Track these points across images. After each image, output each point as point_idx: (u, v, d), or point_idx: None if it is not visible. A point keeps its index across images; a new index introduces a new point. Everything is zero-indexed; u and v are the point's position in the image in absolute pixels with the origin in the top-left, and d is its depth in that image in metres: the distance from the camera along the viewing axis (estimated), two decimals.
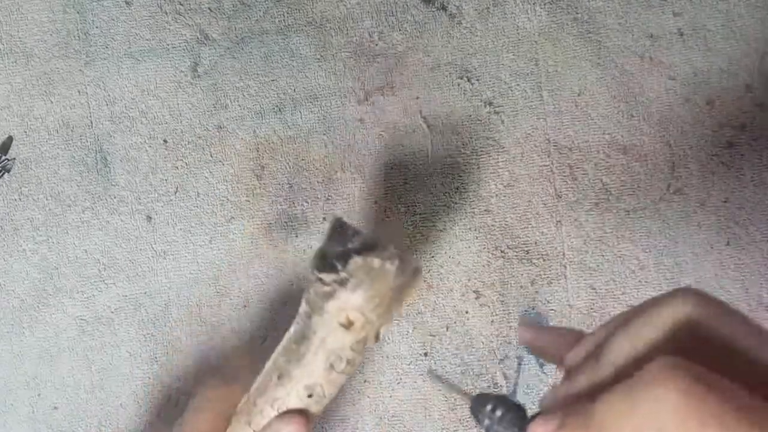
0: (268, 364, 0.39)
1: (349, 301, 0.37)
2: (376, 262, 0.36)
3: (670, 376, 0.22)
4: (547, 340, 0.33)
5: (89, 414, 0.49)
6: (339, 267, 0.36)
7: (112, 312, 0.49)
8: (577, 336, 0.31)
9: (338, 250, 0.37)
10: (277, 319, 0.50)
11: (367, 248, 0.36)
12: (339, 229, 0.38)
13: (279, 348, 0.39)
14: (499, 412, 0.29)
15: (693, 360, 0.23)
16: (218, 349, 0.49)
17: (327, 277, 0.37)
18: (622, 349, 0.26)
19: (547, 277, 0.49)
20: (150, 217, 0.50)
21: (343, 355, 0.38)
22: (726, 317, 0.24)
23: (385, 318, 0.38)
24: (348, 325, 0.37)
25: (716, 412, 0.21)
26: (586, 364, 0.27)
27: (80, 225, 0.50)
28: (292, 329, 0.39)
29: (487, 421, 0.29)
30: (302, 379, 0.38)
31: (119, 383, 0.49)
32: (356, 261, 0.36)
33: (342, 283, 0.36)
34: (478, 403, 0.30)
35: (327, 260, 0.37)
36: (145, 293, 0.50)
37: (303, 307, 0.38)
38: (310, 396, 0.38)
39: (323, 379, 0.38)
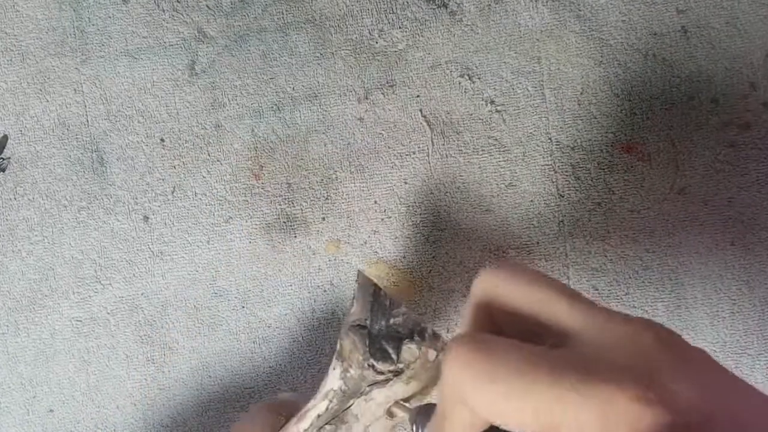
0: None
1: (400, 392, 0.36)
2: (431, 353, 0.35)
3: (452, 351, 0.23)
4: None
5: (85, 416, 0.48)
6: (393, 356, 0.35)
7: (109, 313, 0.49)
8: None
9: (383, 330, 0.36)
10: (276, 321, 0.49)
11: (416, 332, 0.35)
12: (377, 298, 0.37)
13: (305, 422, 0.37)
14: (422, 416, 0.30)
15: (507, 332, 0.26)
16: (215, 353, 0.49)
17: (382, 366, 0.35)
18: (462, 326, 0.28)
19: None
20: (147, 217, 0.49)
21: None
22: (511, 286, 0.26)
23: (425, 397, 0.37)
24: (393, 415, 0.37)
25: (494, 370, 0.22)
26: None
27: (76, 225, 0.49)
28: (322, 405, 0.37)
29: (414, 426, 0.31)
30: None
31: (116, 385, 0.48)
32: (412, 351, 0.35)
33: (397, 373, 0.35)
34: (415, 413, 0.31)
35: (375, 343, 0.36)
36: (142, 294, 0.49)
37: (337, 384, 0.37)
38: None
39: None
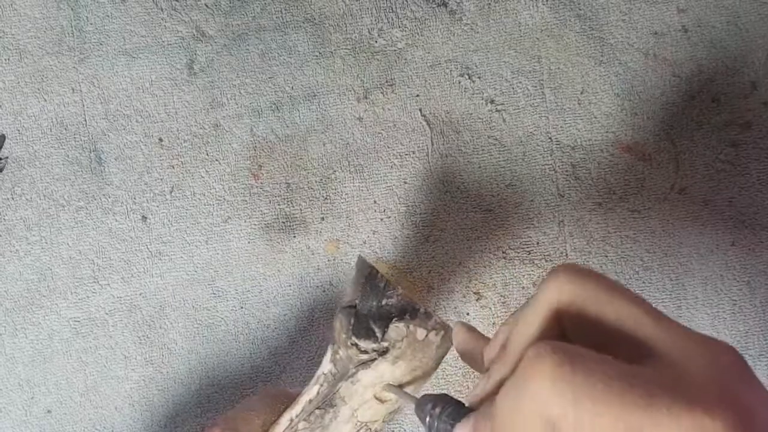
0: (281, 425, 0.36)
1: (387, 374, 0.34)
2: (420, 332, 0.33)
3: (537, 364, 0.22)
4: (476, 344, 0.32)
5: (83, 417, 0.48)
6: (378, 334, 0.34)
7: (107, 314, 0.49)
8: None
9: (373, 310, 0.34)
10: (275, 321, 0.49)
11: (407, 312, 0.33)
12: (370, 280, 0.35)
13: (297, 407, 0.36)
14: (438, 409, 0.29)
15: (573, 338, 0.25)
16: (213, 353, 0.48)
17: (365, 344, 0.34)
18: (519, 339, 0.26)
19: None
20: (145, 217, 0.49)
21: (373, 427, 0.36)
22: (592, 293, 0.25)
23: (421, 385, 0.35)
24: (382, 399, 0.35)
25: (585, 386, 0.21)
26: (497, 358, 0.28)
27: (74, 225, 0.49)
28: (314, 389, 0.36)
29: (428, 419, 0.29)
30: None
31: (114, 386, 0.48)
32: (398, 329, 0.33)
33: (382, 353, 0.34)
34: (422, 402, 0.30)
35: (362, 321, 0.34)
36: (140, 294, 0.49)
37: (327, 367, 0.35)
38: None
39: None
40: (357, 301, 0.35)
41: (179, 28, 0.50)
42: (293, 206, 0.49)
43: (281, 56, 0.50)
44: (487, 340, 0.32)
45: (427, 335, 0.34)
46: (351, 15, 0.50)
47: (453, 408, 0.28)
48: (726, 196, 0.48)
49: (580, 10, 0.49)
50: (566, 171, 0.49)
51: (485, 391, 0.27)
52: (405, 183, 0.49)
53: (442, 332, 0.34)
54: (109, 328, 0.49)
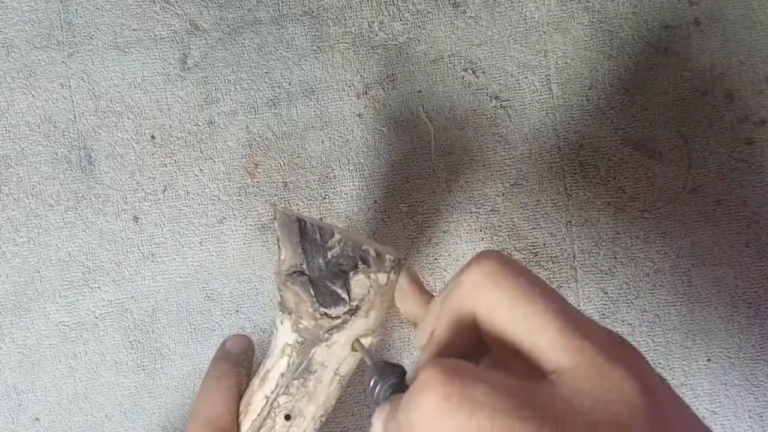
0: (256, 405, 0.35)
1: (362, 327, 0.34)
2: (381, 277, 0.33)
3: (426, 392, 0.22)
4: (414, 302, 0.32)
5: (73, 425, 0.47)
6: (345, 296, 0.33)
7: (97, 317, 0.47)
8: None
9: (324, 270, 0.32)
10: (272, 326, 0.47)
11: (359, 259, 0.33)
12: (304, 235, 0.34)
13: (269, 384, 0.35)
14: (384, 377, 0.29)
15: (487, 339, 0.25)
16: (208, 359, 0.47)
17: (335, 311, 0.33)
18: (436, 336, 0.27)
19: (557, 280, 0.47)
20: (137, 218, 0.48)
21: (352, 370, 0.36)
22: (510, 300, 0.24)
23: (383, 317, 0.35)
24: (359, 348, 0.34)
25: (469, 421, 0.21)
26: (425, 348, 0.28)
27: (63, 226, 0.47)
28: (282, 362, 0.35)
29: (371, 383, 0.29)
30: (318, 411, 0.35)
31: (104, 393, 0.47)
32: (362, 283, 0.32)
33: (353, 312, 0.33)
34: (374, 368, 0.30)
35: (321, 288, 0.33)
36: (132, 298, 0.47)
37: (291, 337, 0.34)
38: (321, 418, 0.35)
39: (335, 399, 0.35)
40: (303, 266, 0.33)
41: (172, 21, 0.48)
42: (291, 206, 0.48)
43: (278, 50, 0.48)
44: (425, 297, 0.32)
45: (388, 278, 0.33)
46: (350, 7, 0.48)
47: (397, 379, 0.28)
48: (740, 195, 0.47)
49: (588, 2, 0.48)
50: (574, 169, 0.47)
51: (412, 378, 0.27)
52: (406, 182, 0.48)
53: (398, 267, 0.34)
54: (99, 332, 0.47)
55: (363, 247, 0.32)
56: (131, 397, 0.47)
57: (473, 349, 0.27)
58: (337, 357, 0.34)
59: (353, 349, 0.34)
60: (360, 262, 0.32)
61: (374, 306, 0.33)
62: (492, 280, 0.25)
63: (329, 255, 0.33)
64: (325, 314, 0.33)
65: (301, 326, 0.34)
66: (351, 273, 0.32)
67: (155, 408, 0.47)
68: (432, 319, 0.28)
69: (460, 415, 0.21)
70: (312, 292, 0.33)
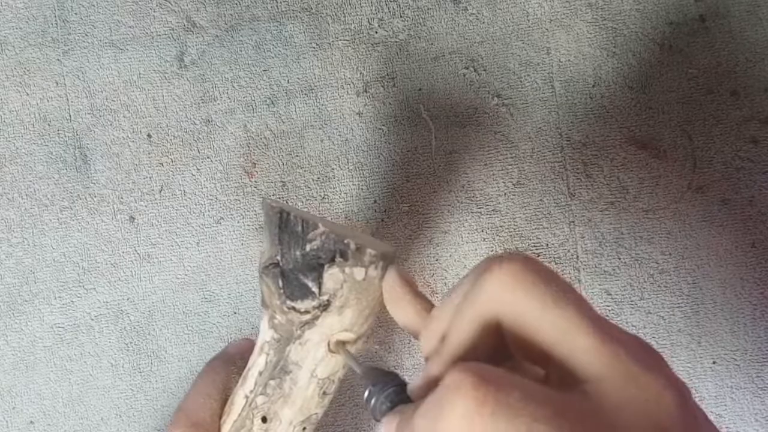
0: (237, 405, 0.35)
1: (336, 325, 0.31)
2: (357, 272, 0.30)
3: (456, 397, 0.21)
4: (409, 315, 0.30)
5: (67, 429, 0.46)
6: (314, 289, 0.32)
7: (93, 319, 0.47)
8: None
9: (299, 262, 0.30)
10: None
11: (337, 253, 0.30)
12: (284, 226, 0.31)
13: (249, 383, 0.34)
14: (379, 386, 0.28)
15: (512, 346, 0.24)
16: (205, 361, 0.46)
17: (303, 305, 0.31)
18: (454, 342, 0.25)
19: None
20: (133, 218, 0.47)
21: (335, 378, 0.34)
22: (536, 306, 0.23)
23: (374, 320, 0.34)
24: (338, 350, 0.33)
25: (500, 409, 0.21)
26: (435, 353, 0.26)
27: (58, 226, 0.47)
28: (260, 360, 0.33)
29: (367, 393, 0.28)
30: (296, 417, 0.33)
31: (100, 396, 0.46)
32: (335, 276, 0.30)
33: (324, 307, 0.31)
34: (367, 374, 0.29)
35: (291, 280, 0.31)
36: (128, 299, 0.47)
37: (268, 334, 0.33)
38: (304, 429, 0.34)
39: (317, 407, 0.33)
40: (278, 257, 0.31)
41: (169, 18, 0.48)
42: (291, 206, 0.47)
43: (276, 48, 0.48)
44: (420, 301, 0.30)
45: (366, 273, 0.31)
46: (350, 4, 0.48)
47: (394, 390, 0.27)
48: (745, 195, 0.46)
49: None
50: (577, 169, 0.47)
51: (422, 387, 0.26)
52: (407, 181, 0.47)
53: (381, 263, 0.31)
54: (94, 334, 0.46)
55: (345, 241, 0.30)
56: (127, 400, 0.46)
57: (493, 356, 0.26)
58: (312, 357, 0.32)
59: (331, 350, 0.32)
60: (338, 256, 0.30)
61: (349, 303, 0.31)
62: (520, 285, 0.24)
63: (308, 247, 0.31)
64: (293, 308, 0.31)
65: (275, 321, 0.33)
66: (326, 266, 0.31)
67: (151, 411, 0.46)
68: (438, 324, 0.27)
69: (497, 421, 0.20)
70: (280, 284, 0.31)
